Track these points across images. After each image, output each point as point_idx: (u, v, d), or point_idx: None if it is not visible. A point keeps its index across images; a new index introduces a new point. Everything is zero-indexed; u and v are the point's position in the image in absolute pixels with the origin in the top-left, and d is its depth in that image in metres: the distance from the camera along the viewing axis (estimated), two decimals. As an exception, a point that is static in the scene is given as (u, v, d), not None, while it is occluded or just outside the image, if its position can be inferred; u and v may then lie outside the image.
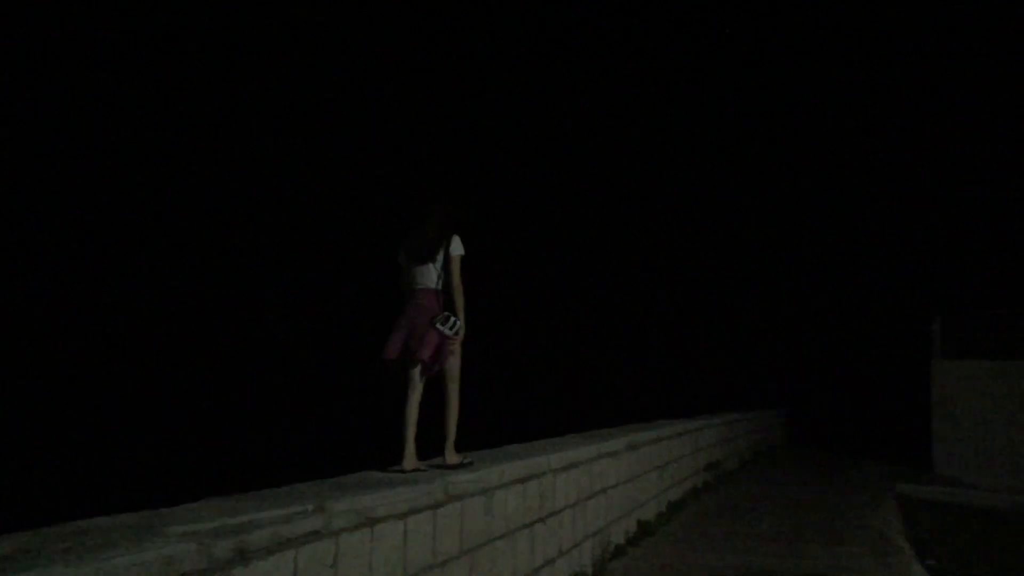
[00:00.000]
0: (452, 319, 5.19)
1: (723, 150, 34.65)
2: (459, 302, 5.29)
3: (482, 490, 5.02)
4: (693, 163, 34.51)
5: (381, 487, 4.12)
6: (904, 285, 28.27)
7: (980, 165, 29.18)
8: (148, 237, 27.25)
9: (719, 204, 34.02)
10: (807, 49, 34.09)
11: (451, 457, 5.27)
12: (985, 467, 16.66)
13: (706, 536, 8.90)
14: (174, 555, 2.66)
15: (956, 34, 30.69)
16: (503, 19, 35.66)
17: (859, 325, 29.71)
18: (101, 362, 22.98)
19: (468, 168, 32.03)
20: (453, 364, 5.33)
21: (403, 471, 4.90)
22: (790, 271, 32.87)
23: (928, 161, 30.54)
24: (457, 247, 5.33)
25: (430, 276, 5.27)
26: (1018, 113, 28.33)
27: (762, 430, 20.09)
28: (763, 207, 33.91)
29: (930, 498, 14.19)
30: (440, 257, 5.28)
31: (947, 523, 11.74)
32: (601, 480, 7.54)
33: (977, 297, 22.64)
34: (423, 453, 5.21)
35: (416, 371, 5.20)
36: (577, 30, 37.19)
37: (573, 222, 32.86)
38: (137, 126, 27.93)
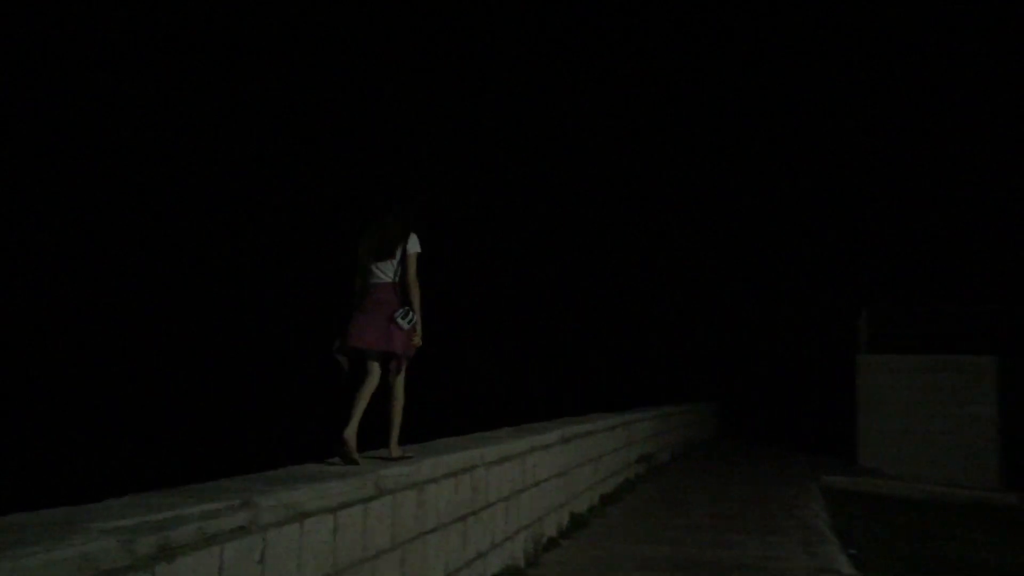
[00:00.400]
0: (410, 313, 5.37)
1: (658, 147, 35.08)
2: (415, 298, 5.46)
3: (414, 484, 5.01)
4: (628, 160, 34.88)
5: (311, 481, 4.08)
6: (834, 281, 28.98)
7: (905, 164, 30.05)
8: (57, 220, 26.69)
9: (652, 200, 34.45)
10: (731, 48, 34.76)
11: (395, 450, 5.38)
12: (906, 458, 17.20)
13: (639, 528, 9.02)
14: (94, 552, 2.59)
15: (882, 39, 31.55)
16: (465, 12, 35.70)
17: (791, 320, 30.36)
18: (19, 354, 22.33)
19: (420, 167, 32.09)
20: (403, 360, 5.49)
21: (346, 456, 4.96)
22: (724, 267, 33.47)
23: (855, 159, 31.33)
24: (414, 245, 5.52)
25: (388, 272, 5.45)
26: (938, 112, 29.25)
27: (695, 423, 20.43)
28: (694, 204, 34.45)
29: (854, 489, 14.60)
30: (399, 254, 5.47)
31: (869, 513, 12.08)
32: (534, 473, 7.58)
33: (903, 292, 23.34)
34: (364, 446, 5.27)
35: (375, 364, 5.36)
36: (535, 23, 37.39)
37: (503, 215, 32.97)
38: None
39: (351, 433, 5.07)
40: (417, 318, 5.43)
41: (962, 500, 14.25)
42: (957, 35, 31.02)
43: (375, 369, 5.36)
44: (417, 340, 5.47)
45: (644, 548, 7.91)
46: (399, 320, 5.32)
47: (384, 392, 5.47)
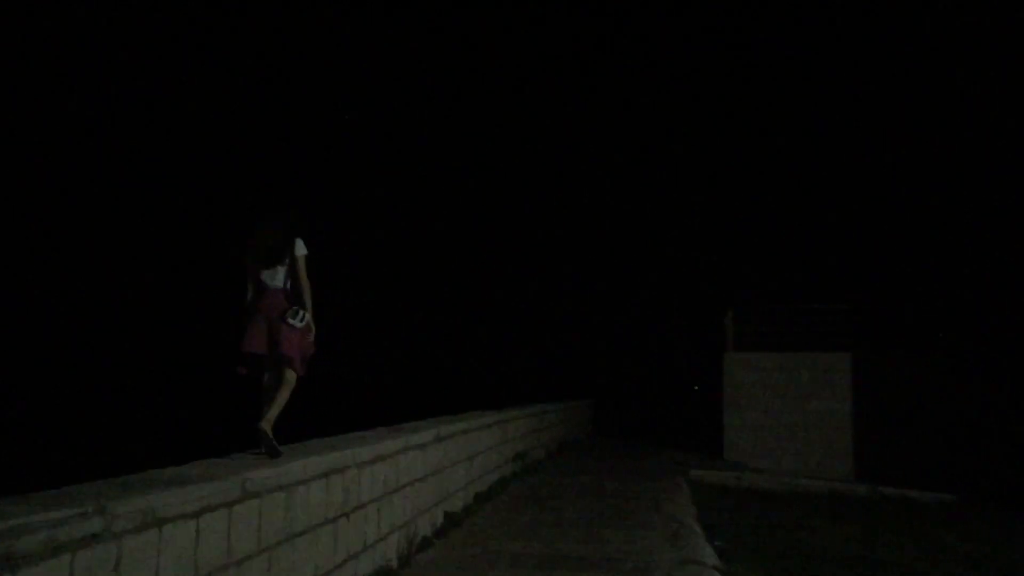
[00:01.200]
0: (300, 313, 5.61)
1: (537, 147, 35.53)
2: (307, 298, 5.75)
3: (283, 486, 4.91)
4: (501, 158, 35.17)
5: (171, 485, 3.94)
6: (706, 282, 30.02)
7: (773, 170, 31.41)
8: None
9: (533, 202, 34.86)
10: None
11: (266, 424, 5.40)
12: (769, 452, 17.99)
13: (512, 525, 9.09)
14: (-73, 565, 2.45)
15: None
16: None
17: (665, 320, 31.29)
18: None
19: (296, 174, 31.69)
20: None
21: (271, 446, 5.29)
22: (602, 268, 34.17)
23: (726, 164, 32.54)
24: (301, 248, 5.80)
25: (278, 277, 5.70)
26: (797, 115, 30.71)
27: (570, 421, 20.74)
28: (573, 207, 35.06)
29: (720, 483, 15.13)
30: (287, 259, 5.71)
31: (734, 506, 12.56)
32: (408, 473, 7.55)
33: (770, 292, 24.40)
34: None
35: (272, 366, 5.63)
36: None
37: (372, 221, 32.84)
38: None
39: (265, 430, 5.34)
40: (309, 316, 5.67)
41: (820, 492, 14.96)
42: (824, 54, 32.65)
43: (270, 371, 5.64)
44: (312, 336, 5.72)
45: (516, 545, 7.99)
46: (290, 320, 5.53)
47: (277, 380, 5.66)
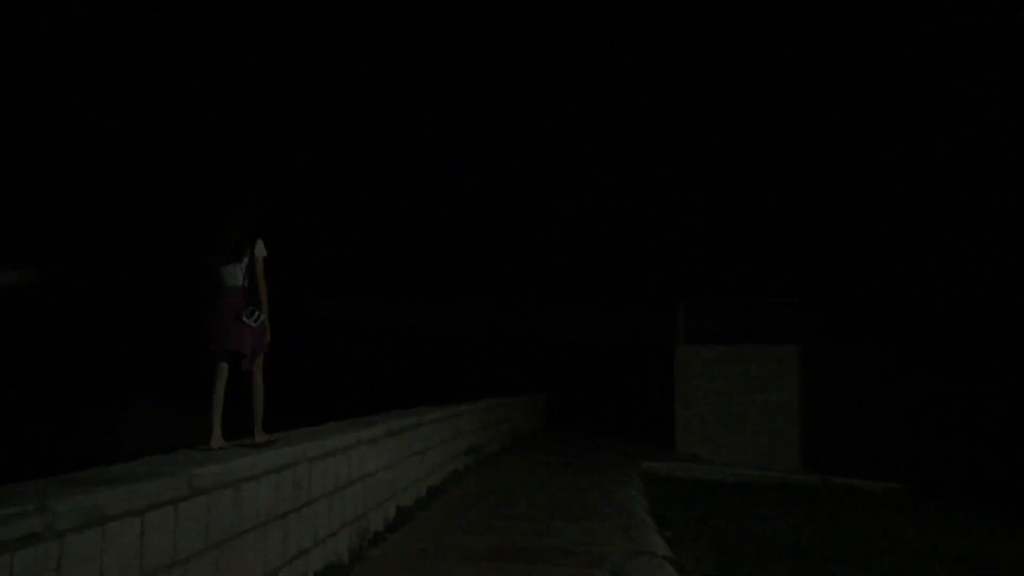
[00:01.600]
0: (255, 312, 5.83)
1: (492, 143, 35.51)
2: (263, 298, 5.96)
3: (231, 482, 4.86)
4: (459, 157, 35.12)
5: (116, 482, 3.88)
6: (661, 276, 30.28)
7: (725, 165, 31.80)
8: None
9: (491, 197, 34.88)
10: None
11: (259, 436, 5.91)
12: (720, 444, 18.24)
13: (464, 519, 9.10)
14: None
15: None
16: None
17: (619, 314, 31.48)
18: None
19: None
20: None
21: (210, 449, 5.45)
22: (555, 262, 34.29)
23: (679, 157, 32.86)
24: (261, 249, 6.01)
25: (237, 276, 5.86)
26: (749, 108, 31.12)
27: (524, 414, 20.79)
28: (529, 201, 35.13)
29: (671, 474, 15.29)
30: (246, 259, 5.90)
31: (685, 497, 12.71)
32: (360, 467, 7.51)
33: (720, 286, 24.70)
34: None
35: (223, 364, 5.80)
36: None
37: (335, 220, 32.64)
38: None
39: (216, 441, 5.59)
40: (264, 316, 5.92)
41: (770, 482, 15.21)
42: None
43: (223, 368, 5.79)
44: (267, 336, 5.97)
45: (469, 539, 8.00)
46: (245, 319, 5.76)
47: (245, 384, 5.99)
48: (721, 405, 18.42)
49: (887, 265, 25.47)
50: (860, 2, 31.11)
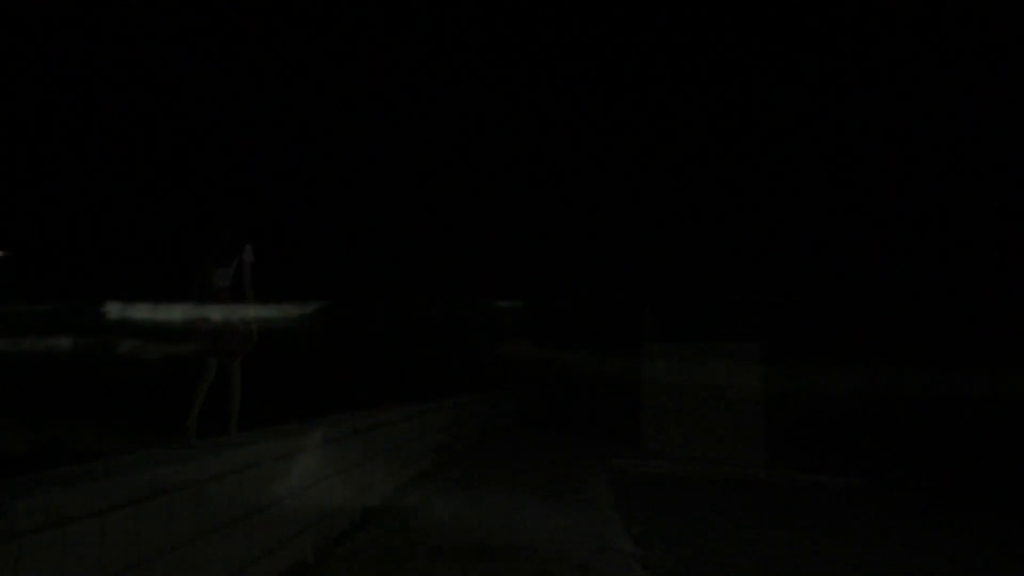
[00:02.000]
0: (242, 314, 6.07)
1: (459, 141, 35.46)
2: (250, 300, 6.18)
3: (194, 481, 4.81)
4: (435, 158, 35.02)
5: (77, 483, 3.83)
6: (625, 275, 30.43)
7: (691, 166, 32.03)
8: None
9: (461, 197, 34.85)
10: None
11: (235, 436, 6.09)
12: (686, 440, 18.37)
13: (432, 516, 9.09)
14: None
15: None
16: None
17: (591, 311, 31.56)
18: None
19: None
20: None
21: (176, 449, 5.44)
22: (525, 261, 34.34)
23: (645, 158, 33.04)
24: (250, 254, 6.23)
25: (226, 279, 6.09)
26: (712, 111, 31.36)
27: (493, 412, 20.79)
28: (498, 200, 35.16)
29: (638, 471, 15.40)
30: (235, 263, 6.13)
31: (651, 493, 12.80)
32: (326, 466, 7.47)
33: (685, 285, 24.86)
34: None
35: (211, 360, 5.98)
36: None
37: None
38: None
39: (192, 422, 5.72)
40: (251, 318, 6.13)
41: (735, 478, 15.37)
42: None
43: (211, 365, 5.97)
44: (253, 337, 6.16)
45: (435, 536, 7.99)
46: (233, 320, 6.00)
47: (223, 384, 6.12)
48: (687, 402, 18.57)
49: (851, 266, 25.79)
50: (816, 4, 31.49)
